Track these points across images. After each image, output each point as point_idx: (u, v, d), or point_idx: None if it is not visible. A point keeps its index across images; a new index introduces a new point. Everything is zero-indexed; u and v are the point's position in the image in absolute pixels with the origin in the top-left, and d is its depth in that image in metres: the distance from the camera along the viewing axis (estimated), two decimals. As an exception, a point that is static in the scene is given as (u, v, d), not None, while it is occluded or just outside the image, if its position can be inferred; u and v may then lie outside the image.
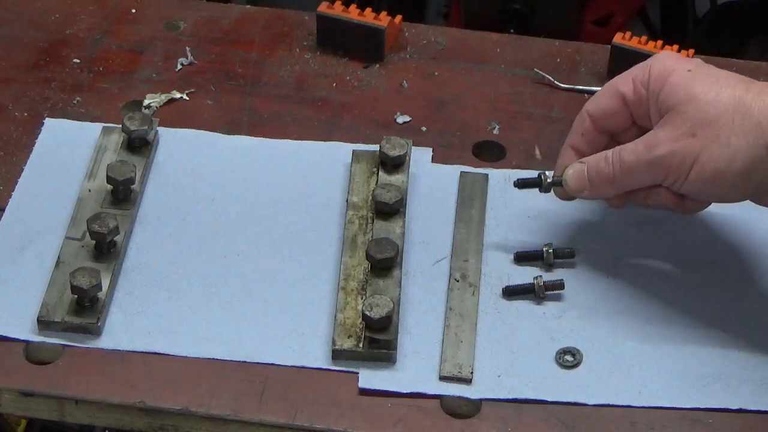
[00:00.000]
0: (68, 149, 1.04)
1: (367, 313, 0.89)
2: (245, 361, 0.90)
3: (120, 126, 1.03)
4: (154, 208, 1.00)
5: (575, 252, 0.97)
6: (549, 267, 0.97)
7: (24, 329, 0.91)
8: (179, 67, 1.13)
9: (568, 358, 0.91)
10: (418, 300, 0.94)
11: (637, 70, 0.93)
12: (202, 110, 1.09)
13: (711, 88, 0.88)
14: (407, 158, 1.02)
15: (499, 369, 0.90)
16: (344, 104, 1.10)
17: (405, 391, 0.88)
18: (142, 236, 0.98)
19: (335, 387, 0.89)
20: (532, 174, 0.98)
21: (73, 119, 1.07)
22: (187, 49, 1.14)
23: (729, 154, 0.86)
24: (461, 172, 1.04)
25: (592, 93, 1.11)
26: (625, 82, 0.93)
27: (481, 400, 0.88)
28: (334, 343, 0.90)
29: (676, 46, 1.11)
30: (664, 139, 0.89)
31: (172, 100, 1.10)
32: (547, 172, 0.97)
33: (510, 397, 0.88)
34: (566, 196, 0.96)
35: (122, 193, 0.99)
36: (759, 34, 1.88)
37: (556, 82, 1.12)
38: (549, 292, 0.94)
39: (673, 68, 0.91)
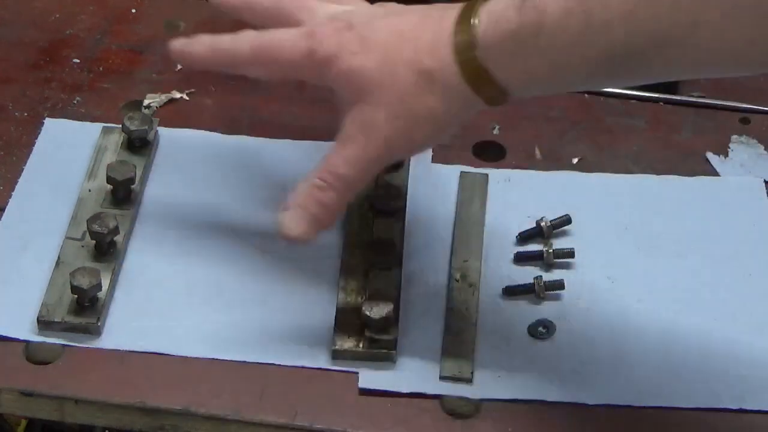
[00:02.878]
0: (68, 149, 1.04)
1: (367, 313, 0.89)
2: (245, 361, 0.90)
3: (120, 126, 1.03)
4: (154, 208, 1.00)
5: (575, 252, 0.97)
6: (549, 267, 0.97)
7: (24, 329, 0.91)
8: (179, 67, 1.13)
9: (542, 329, 0.91)
10: (418, 300, 0.94)
11: (287, 59, 0.87)
12: (202, 110, 1.09)
13: (385, 65, 0.84)
14: (407, 158, 1.02)
15: (499, 369, 0.90)
16: (344, 104, 1.10)
17: (405, 391, 0.88)
18: (142, 236, 0.98)
19: (335, 387, 0.89)
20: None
21: (73, 119, 1.07)
22: (187, 49, 1.14)
23: (434, 118, 0.84)
24: (461, 172, 1.04)
25: (592, 93, 1.12)
26: (274, 71, 0.89)
27: (481, 400, 0.88)
28: (334, 343, 0.90)
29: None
30: (370, 131, 0.85)
31: (172, 100, 1.10)
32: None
33: (510, 397, 0.88)
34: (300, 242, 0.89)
35: (122, 193, 0.99)
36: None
37: (556, 82, 1.12)
38: (549, 292, 0.94)
39: (335, 55, 0.85)
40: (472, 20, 0.81)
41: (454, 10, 0.83)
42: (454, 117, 0.85)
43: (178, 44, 0.92)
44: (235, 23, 1.18)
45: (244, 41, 0.89)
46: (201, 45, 0.91)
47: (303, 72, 0.88)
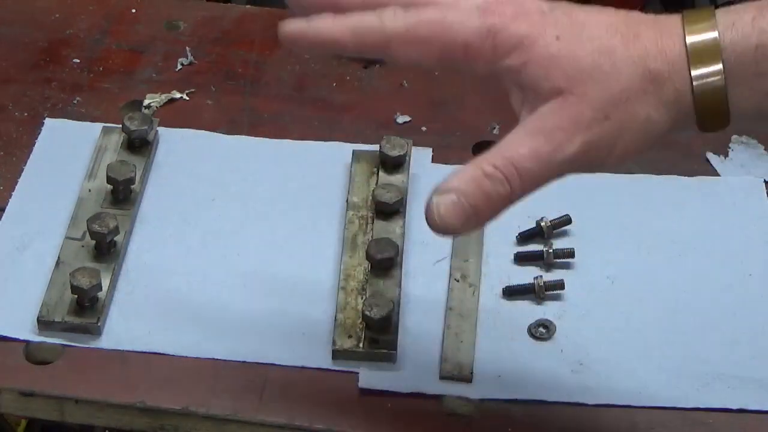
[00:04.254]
0: (68, 149, 1.04)
1: (367, 313, 0.89)
2: (245, 361, 0.90)
3: (120, 126, 1.03)
4: (154, 208, 1.00)
5: (575, 252, 0.97)
6: (549, 267, 0.97)
7: (24, 329, 0.91)
8: (179, 67, 1.13)
9: (542, 329, 0.91)
10: (418, 300, 0.94)
11: (458, 39, 0.72)
12: (202, 110, 1.09)
13: (603, 57, 0.72)
14: (407, 158, 1.02)
15: (499, 369, 0.90)
16: (344, 104, 1.10)
17: (405, 391, 0.88)
18: (142, 236, 0.98)
19: (335, 387, 0.89)
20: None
21: (73, 119, 1.07)
22: (187, 49, 1.14)
23: (652, 130, 0.73)
24: (461, 172, 1.03)
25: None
26: (436, 54, 0.73)
27: (481, 400, 0.88)
28: (334, 343, 0.90)
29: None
30: (571, 130, 0.72)
31: (172, 100, 1.10)
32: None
33: (510, 397, 0.88)
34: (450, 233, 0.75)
35: (122, 193, 0.99)
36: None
37: (556, 82, 1.12)
38: (549, 292, 0.94)
39: (532, 37, 0.72)
40: (715, 29, 0.71)
41: (671, 17, 0.74)
42: (663, 132, 0.73)
43: (295, 27, 0.75)
44: (236, 23, 1.18)
45: (394, 18, 0.73)
46: (335, 24, 0.74)
47: (475, 55, 0.73)
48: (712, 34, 0.71)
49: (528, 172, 0.72)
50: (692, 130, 0.74)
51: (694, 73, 0.72)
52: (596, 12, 0.74)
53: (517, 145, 0.72)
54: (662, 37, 0.72)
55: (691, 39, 0.72)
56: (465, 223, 0.73)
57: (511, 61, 0.73)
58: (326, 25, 0.74)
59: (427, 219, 0.73)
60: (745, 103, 0.72)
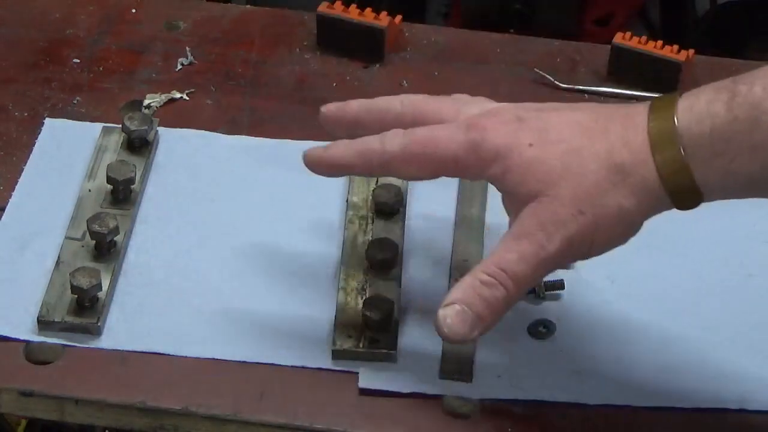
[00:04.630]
0: (68, 149, 1.04)
1: (367, 313, 0.89)
2: (245, 361, 0.90)
3: (120, 126, 1.03)
4: (154, 208, 1.00)
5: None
6: (549, 267, 0.97)
7: (24, 329, 0.91)
8: (179, 67, 1.13)
9: (542, 329, 0.91)
10: (418, 300, 0.94)
11: (445, 155, 0.81)
12: (202, 110, 1.09)
13: (571, 157, 0.79)
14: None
15: (499, 369, 0.90)
16: (344, 104, 1.10)
17: (405, 391, 0.88)
18: (142, 236, 0.98)
19: (335, 387, 0.89)
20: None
21: (73, 119, 1.07)
22: (187, 49, 1.14)
23: (626, 218, 0.79)
24: (461, 172, 1.03)
25: (592, 93, 1.12)
26: (429, 170, 0.83)
27: (481, 400, 0.88)
28: (334, 343, 0.90)
29: (676, 46, 1.12)
30: (551, 228, 0.79)
31: (172, 100, 1.10)
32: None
33: (510, 397, 0.88)
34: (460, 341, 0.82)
35: (122, 193, 0.99)
36: (759, 34, 1.88)
37: (556, 82, 1.12)
38: (549, 292, 0.94)
39: (507, 147, 0.80)
40: (673, 116, 0.77)
41: (639, 107, 0.80)
42: (639, 218, 0.80)
43: (314, 154, 0.87)
44: (236, 23, 1.18)
45: (392, 140, 0.83)
46: (346, 149, 0.85)
47: (463, 167, 0.82)
48: (670, 122, 0.77)
49: (518, 274, 0.80)
50: (668, 209, 0.80)
51: (656, 159, 0.77)
52: (569, 111, 0.82)
53: (505, 252, 0.80)
54: (628, 129, 0.79)
55: (652, 128, 0.78)
56: (471, 329, 0.80)
57: (492, 171, 0.81)
58: (339, 152, 0.86)
59: (437, 331, 0.81)
60: (711, 181, 0.77)
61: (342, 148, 0.86)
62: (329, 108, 0.89)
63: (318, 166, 0.87)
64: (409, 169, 0.84)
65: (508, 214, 0.83)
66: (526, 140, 0.80)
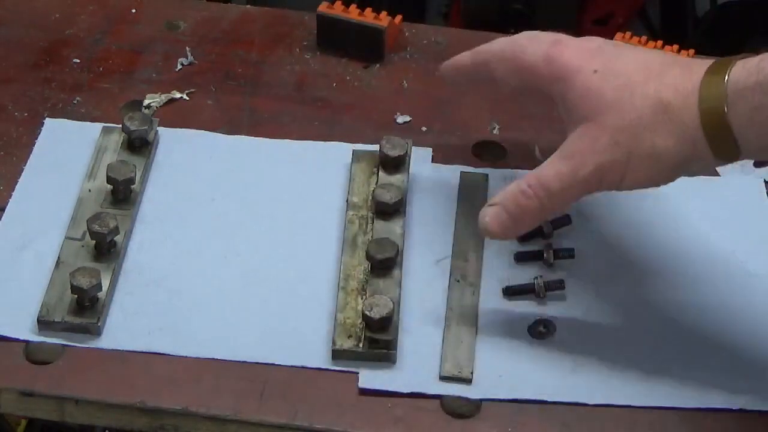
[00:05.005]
0: (68, 149, 1.04)
1: (367, 313, 0.89)
2: (245, 361, 0.90)
3: (120, 126, 1.03)
4: (154, 208, 1.00)
5: (575, 252, 0.97)
6: (549, 267, 0.97)
7: (24, 329, 0.91)
8: (179, 67, 1.13)
9: (542, 329, 0.91)
10: (418, 300, 0.94)
11: (529, 60, 0.90)
12: (202, 110, 1.09)
13: (624, 91, 0.84)
14: (407, 158, 1.02)
15: (499, 369, 0.90)
16: (344, 104, 1.10)
17: (405, 391, 0.88)
18: (142, 236, 0.98)
19: (335, 387, 0.89)
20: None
21: (73, 119, 1.07)
22: (187, 49, 1.14)
23: (657, 156, 0.83)
24: (461, 172, 1.04)
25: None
26: (514, 72, 0.92)
27: (481, 400, 0.88)
28: (334, 343, 0.90)
29: (676, 46, 1.11)
30: (588, 153, 0.85)
31: (172, 100, 1.10)
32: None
33: (510, 397, 0.88)
34: (494, 238, 0.91)
35: (122, 193, 0.99)
36: (759, 34, 1.88)
37: (556, 82, 1.12)
38: (549, 292, 0.94)
39: (576, 68, 0.87)
40: (727, 70, 0.81)
41: (705, 60, 0.84)
42: (677, 163, 0.84)
43: (444, 64, 1.00)
44: (236, 23, 1.18)
45: (497, 44, 0.94)
46: (463, 56, 0.97)
47: (538, 77, 0.89)
48: (723, 75, 0.81)
49: (553, 191, 0.86)
50: (710, 161, 0.83)
51: (701, 106, 0.81)
52: (642, 52, 0.88)
53: (548, 168, 0.87)
54: (684, 75, 0.83)
55: (704, 78, 0.82)
56: (505, 230, 0.89)
57: (557, 87, 0.88)
58: (459, 56, 0.98)
59: (479, 225, 0.89)
60: (749, 134, 0.81)
61: (462, 55, 0.98)
62: (446, 66, 1.00)
63: (447, 70, 1.00)
64: (501, 69, 0.93)
65: (566, 130, 0.88)
66: (593, 66, 0.86)
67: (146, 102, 1.09)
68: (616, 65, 0.86)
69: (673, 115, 0.82)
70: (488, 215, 0.89)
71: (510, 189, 0.88)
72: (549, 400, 0.88)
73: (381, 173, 1.01)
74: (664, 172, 0.85)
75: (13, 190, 1.01)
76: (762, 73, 0.79)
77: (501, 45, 0.93)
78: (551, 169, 0.87)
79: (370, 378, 0.89)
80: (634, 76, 0.85)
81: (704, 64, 0.84)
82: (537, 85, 0.90)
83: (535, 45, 0.90)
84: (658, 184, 0.87)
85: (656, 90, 0.83)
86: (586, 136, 0.85)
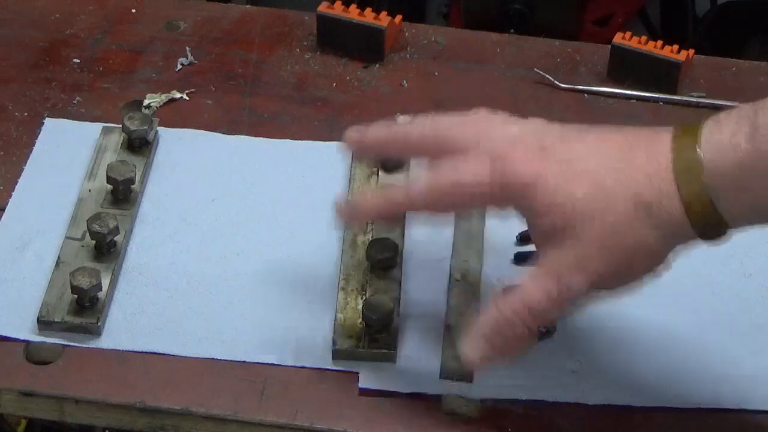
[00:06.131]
0: (68, 149, 1.04)
1: (367, 313, 0.89)
2: (245, 361, 0.90)
3: (120, 126, 1.03)
4: (154, 208, 1.00)
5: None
6: (549, 267, 0.97)
7: (24, 329, 0.91)
8: (179, 67, 1.13)
9: (542, 329, 0.91)
10: (418, 300, 0.94)
11: (485, 184, 0.80)
12: (202, 110, 1.09)
13: (597, 194, 0.78)
14: (407, 158, 1.02)
15: (499, 369, 0.90)
16: (344, 104, 1.10)
17: (405, 391, 0.88)
18: (142, 236, 0.98)
19: (335, 387, 0.89)
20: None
21: (73, 119, 1.07)
22: (187, 49, 1.14)
23: (651, 253, 0.79)
24: (461, 172, 1.03)
25: (592, 93, 1.12)
26: (472, 198, 0.81)
27: (481, 400, 0.88)
28: (334, 343, 0.90)
29: (676, 46, 1.12)
30: (575, 268, 0.78)
31: (172, 100, 1.10)
32: None
33: (510, 397, 0.88)
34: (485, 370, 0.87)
35: (122, 193, 0.99)
36: (759, 34, 1.88)
37: (556, 82, 1.12)
38: (549, 292, 0.94)
39: (533, 184, 0.79)
40: (696, 147, 0.76)
41: (662, 134, 0.78)
42: (666, 252, 0.79)
43: (343, 208, 0.88)
44: (236, 23, 1.18)
45: (418, 188, 0.83)
46: (374, 202, 0.86)
47: (492, 201, 0.82)
48: (694, 154, 0.76)
49: (542, 312, 0.80)
50: (694, 241, 0.79)
51: (681, 193, 0.76)
52: (593, 140, 0.80)
53: (532, 290, 0.80)
54: (651, 160, 0.77)
55: (676, 160, 0.76)
56: (492, 361, 0.82)
57: (519, 203, 0.80)
58: (367, 205, 0.86)
59: (461, 356, 0.82)
60: (736, 213, 0.77)
61: (370, 201, 0.87)
62: (351, 135, 0.88)
63: (349, 218, 0.89)
64: (437, 209, 0.84)
65: (535, 243, 0.82)
66: (551, 174, 0.78)
67: (146, 102, 1.09)
68: (573, 164, 0.79)
69: (655, 210, 0.77)
70: (470, 350, 0.82)
71: (490, 318, 0.81)
72: (549, 400, 0.88)
73: (381, 173, 1.01)
74: (655, 264, 0.80)
75: (13, 190, 1.01)
76: (738, 151, 0.75)
77: (423, 191, 0.83)
78: (537, 292, 0.80)
79: (370, 378, 0.89)
80: (601, 174, 0.78)
81: (661, 140, 0.78)
82: (490, 208, 0.84)
83: (471, 172, 0.80)
84: (652, 276, 0.81)
85: (630, 185, 0.77)
86: (568, 251, 0.78)
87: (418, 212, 0.86)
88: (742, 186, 0.75)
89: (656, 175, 0.77)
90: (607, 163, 0.78)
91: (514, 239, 0.99)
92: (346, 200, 0.90)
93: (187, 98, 1.10)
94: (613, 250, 0.78)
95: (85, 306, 0.91)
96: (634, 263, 0.79)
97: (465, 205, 0.84)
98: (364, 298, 0.92)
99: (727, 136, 0.75)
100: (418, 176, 0.85)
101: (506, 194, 0.80)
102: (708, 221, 0.77)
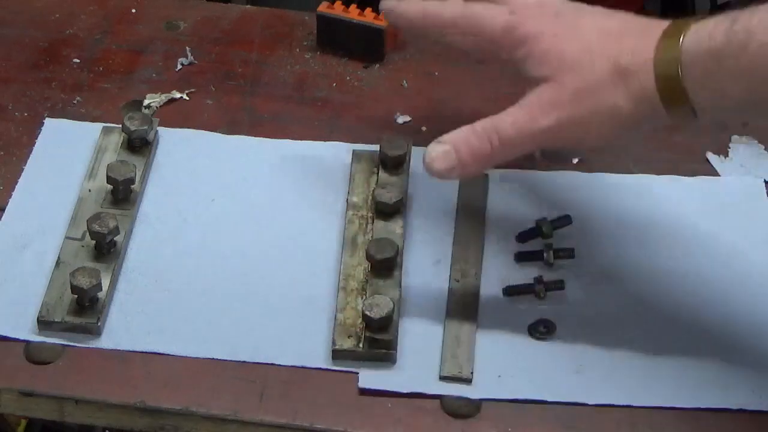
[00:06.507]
0: (68, 149, 1.04)
1: (367, 313, 0.89)
2: (245, 361, 0.90)
3: (120, 126, 1.03)
4: (154, 208, 1.00)
5: (575, 252, 0.97)
6: (549, 267, 0.97)
7: (24, 329, 0.91)
8: (179, 67, 1.13)
9: (542, 329, 0.91)
10: (418, 300, 0.94)
11: (487, 31, 0.90)
12: (202, 110, 1.09)
13: (584, 54, 0.86)
14: (407, 158, 1.02)
15: (499, 369, 0.90)
16: (344, 104, 1.10)
17: (405, 391, 0.88)
18: (142, 236, 0.98)
19: (335, 387, 0.89)
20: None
21: (73, 119, 1.07)
22: (187, 49, 1.14)
23: (615, 116, 0.85)
24: (461, 172, 1.03)
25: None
26: (472, 42, 0.91)
27: (481, 400, 0.88)
28: (334, 343, 0.90)
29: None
30: (548, 106, 0.86)
31: (172, 100, 1.10)
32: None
33: (510, 397, 0.88)
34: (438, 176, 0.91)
35: (122, 193, 0.99)
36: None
37: (556, 82, 1.12)
38: (549, 292, 0.94)
39: (536, 34, 0.88)
40: (681, 34, 0.83)
41: (661, 23, 0.85)
42: (634, 124, 0.85)
43: (390, 3, 0.96)
44: (236, 23, 1.18)
45: (450, 8, 0.92)
46: (414, 7, 0.94)
47: (497, 46, 0.89)
48: (677, 40, 0.83)
49: (507, 137, 0.87)
50: (666, 123, 0.85)
51: (656, 71, 0.83)
52: (600, 16, 0.89)
53: (504, 115, 0.88)
54: (641, 39, 0.85)
55: (660, 42, 0.84)
56: (450, 171, 0.89)
57: (519, 53, 0.88)
58: (408, 6, 0.95)
59: (424, 161, 0.89)
60: (702, 98, 0.82)
61: (413, 6, 0.94)
62: (392, 11, 0.96)
63: (392, 16, 0.96)
64: (456, 37, 0.92)
65: (525, 90, 0.88)
66: (554, 31, 0.87)
67: (146, 102, 1.09)
68: (576, 29, 0.87)
69: (631, 79, 0.84)
70: (435, 152, 0.89)
71: (462, 129, 0.89)
72: (549, 400, 0.88)
73: (381, 173, 1.01)
74: (619, 131, 0.86)
75: (13, 190, 1.01)
76: (713, 41, 0.81)
77: (454, 13, 0.92)
78: (508, 117, 0.87)
79: (370, 378, 0.89)
80: (594, 40, 0.86)
81: (660, 26, 0.85)
82: (496, 53, 0.90)
83: (491, 15, 0.90)
84: (610, 143, 0.88)
85: (615, 54, 0.85)
86: (546, 92, 0.86)
87: (441, 35, 0.93)
88: (709, 73, 0.81)
89: (641, 51, 0.84)
90: (604, 33, 0.87)
91: (514, 239, 0.99)
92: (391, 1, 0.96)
93: (187, 98, 1.10)
94: (584, 101, 0.85)
95: (85, 306, 0.91)
96: (600, 123, 0.85)
97: (478, 40, 0.91)
98: (364, 298, 0.92)
99: (710, 26, 0.82)
100: (455, 2, 0.92)
101: (510, 42, 0.88)
102: (675, 100, 0.83)
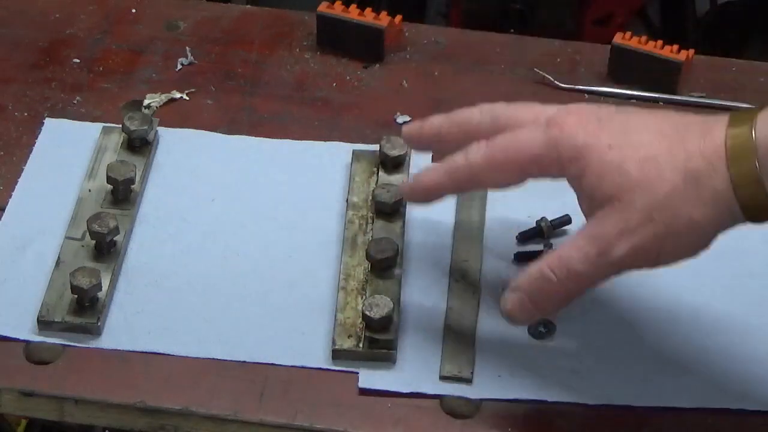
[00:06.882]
0: (68, 149, 1.04)
1: (367, 313, 0.89)
2: (245, 361, 0.90)
3: (120, 126, 1.03)
4: (154, 208, 1.00)
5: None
6: (549, 267, 0.97)
7: (24, 329, 0.91)
8: (179, 67, 1.13)
9: (542, 329, 0.91)
10: (418, 300, 0.94)
11: (540, 148, 0.81)
12: (202, 110, 1.09)
13: (650, 165, 0.78)
14: (407, 158, 1.02)
15: (499, 369, 0.90)
16: (344, 104, 1.10)
17: (405, 391, 0.88)
18: (142, 236, 0.98)
19: (335, 387, 0.89)
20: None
21: (73, 119, 1.07)
22: (187, 49, 1.14)
23: (695, 228, 0.78)
24: (461, 172, 1.03)
25: (592, 93, 1.12)
26: (528, 162, 0.82)
27: (481, 400, 0.88)
28: (334, 343, 0.90)
29: (676, 46, 1.12)
30: (620, 235, 0.79)
31: (172, 100, 1.10)
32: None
33: (510, 397, 0.88)
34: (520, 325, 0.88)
35: (122, 193, 0.99)
36: (759, 34, 1.88)
37: (556, 82, 1.12)
38: (549, 292, 0.94)
39: (587, 145, 0.80)
40: (751, 128, 0.76)
41: (718, 117, 0.79)
42: (711, 230, 0.79)
43: (408, 186, 0.91)
44: (236, 23, 1.18)
45: (476, 153, 0.84)
46: (435, 173, 0.88)
47: (545, 167, 0.82)
48: (748, 134, 0.76)
49: (579, 274, 0.80)
50: (741, 223, 0.79)
51: (731, 171, 0.77)
52: (649, 115, 0.81)
53: (571, 249, 0.81)
54: (705, 139, 0.78)
55: (729, 139, 0.77)
56: (529, 317, 0.84)
57: (571, 170, 0.81)
58: (429, 178, 0.88)
59: (501, 310, 0.85)
60: None
61: (431, 174, 0.88)
62: (410, 129, 0.92)
63: (414, 195, 0.91)
64: (496, 177, 0.85)
65: (584, 213, 0.83)
66: (606, 141, 0.80)
67: (146, 102, 1.09)
68: (628, 136, 0.80)
69: (704, 186, 0.77)
70: (510, 303, 0.84)
71: (532, 273, 0.82)
72: (549, 400, 0.88)
73: (381, 173, 1.01)
74: (700, 242, 0.80)
75: (13, 190, 1.01)
76: None
77: (482, 155, 0.84)
78: (577, 252, 0.80)
79: (370, 378, 0.89)
80: (655, 146, 0.79)
81: (717, 121, 0.79)
82: (544, 175, 0.83)
83: (527, 137, 0.83)
84: (695, 255, 0.81)
85: (683, 159, 0.78)
86: (613, 216, 0.79)
87: (477, 184, 0.87)
88: None
89: (709, 152, 0.77)
90: (661, 137, 0.79)
91: (514, 239, 0.99)
92: (409, 180, 0.91)
93: (187, 98, 1.10)
94: (658, 224, 0.78)
95: (85, 306, 0.91)
96: (679, 238, 0.79)
97: (522, 171, 0.84)
98: (364, 298, 0.92)
99: None
100: (477, 145, 0.85)
101: (559, 159, 0.81)
102: (756, 202, 0.77)
